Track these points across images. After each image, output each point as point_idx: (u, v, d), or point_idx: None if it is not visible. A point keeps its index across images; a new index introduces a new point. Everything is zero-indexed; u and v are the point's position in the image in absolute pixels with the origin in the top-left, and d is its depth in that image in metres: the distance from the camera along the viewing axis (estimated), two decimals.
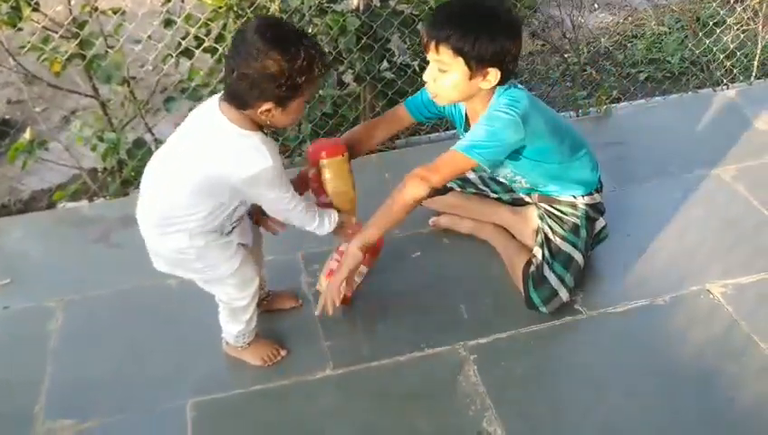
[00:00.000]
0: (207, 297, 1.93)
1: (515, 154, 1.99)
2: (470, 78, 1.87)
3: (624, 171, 2.25)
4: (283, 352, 2.05)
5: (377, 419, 1.88)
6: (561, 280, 2.12)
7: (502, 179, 2.27)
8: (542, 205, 2.20)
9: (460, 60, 1.83)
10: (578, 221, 2.18)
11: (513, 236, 2.33)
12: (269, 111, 1.64)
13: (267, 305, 2.16)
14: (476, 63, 1.84)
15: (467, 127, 2.07)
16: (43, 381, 2.00)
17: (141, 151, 2.82)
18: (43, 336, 2.14)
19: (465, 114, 2.09)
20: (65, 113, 3.54)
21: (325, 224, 1.91)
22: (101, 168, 2.93)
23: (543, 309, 2.12)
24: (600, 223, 2.27)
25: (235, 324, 1.96)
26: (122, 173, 2.81)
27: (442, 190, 2.25)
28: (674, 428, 1.83)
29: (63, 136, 3.12)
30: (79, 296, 2.27)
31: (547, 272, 2.12)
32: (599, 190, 2.24)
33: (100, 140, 2.74)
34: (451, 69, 1.86)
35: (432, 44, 1.84)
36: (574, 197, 2.19)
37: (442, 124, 3.18)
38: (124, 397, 1.95)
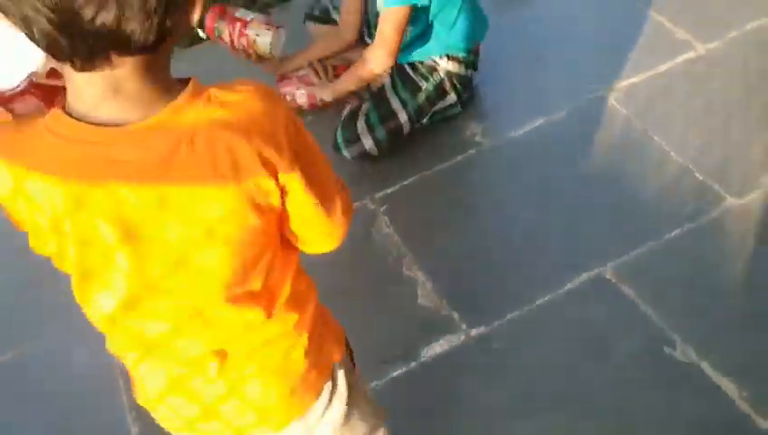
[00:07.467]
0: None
1: None
2: None
3: None
4: None
5: None
6: (371, 129, 2.07)
7: None
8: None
9: None
10: (423, 84, 2.09)
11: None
12: None
13: None
14: None
15: None
16: None
17: None
18: None
19: None
20: None
21: None
22: None
23: (345, 152, 2.09)
24: (450, 99, 2.14)
25: None
26: None
27: None
28: (587, 225, 1.90)
29: None
30: None
31: (360, 116, 2.08)
32: (473, 64, 2.13)
33: None
34: None
35: None
36: (434, 61, 2.08)
37: None
38: None
